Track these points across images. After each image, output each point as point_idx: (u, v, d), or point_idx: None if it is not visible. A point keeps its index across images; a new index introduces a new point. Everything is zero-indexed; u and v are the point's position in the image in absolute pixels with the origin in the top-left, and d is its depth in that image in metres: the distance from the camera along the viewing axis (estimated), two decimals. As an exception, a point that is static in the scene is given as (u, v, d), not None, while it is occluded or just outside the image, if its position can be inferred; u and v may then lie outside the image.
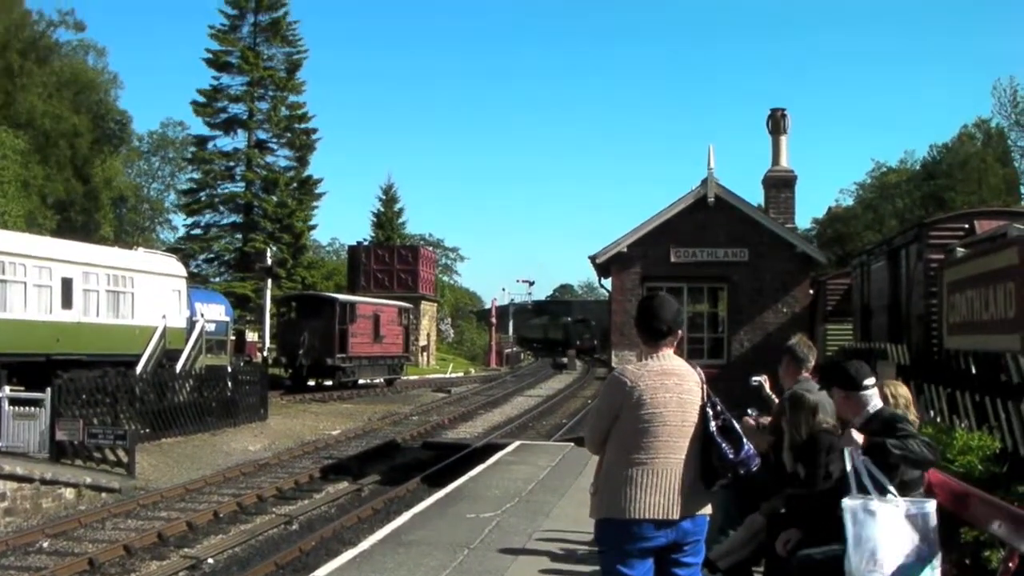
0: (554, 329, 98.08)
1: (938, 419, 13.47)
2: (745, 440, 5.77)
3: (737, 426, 5.82)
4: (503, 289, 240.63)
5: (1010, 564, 6.43)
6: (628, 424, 5.50)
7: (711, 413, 5.67)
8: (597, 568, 9.57)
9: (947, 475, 8.41)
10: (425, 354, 74.21)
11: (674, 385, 5.59)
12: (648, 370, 5.58)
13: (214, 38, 65.35)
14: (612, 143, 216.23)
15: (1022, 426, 11.13)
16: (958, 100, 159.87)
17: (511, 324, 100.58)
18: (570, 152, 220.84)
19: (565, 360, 79.44)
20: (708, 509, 5.74)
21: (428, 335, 76.27)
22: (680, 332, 5.85)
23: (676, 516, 5.51)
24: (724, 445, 5.62)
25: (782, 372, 9.24)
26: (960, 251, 16.52)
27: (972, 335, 14.88)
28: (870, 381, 6.98)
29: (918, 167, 77.02)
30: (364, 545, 11.14)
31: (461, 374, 71.03)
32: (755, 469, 5.82)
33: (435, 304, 79.77)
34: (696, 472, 5.61)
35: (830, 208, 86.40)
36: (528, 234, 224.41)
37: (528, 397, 51.52)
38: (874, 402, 6.97)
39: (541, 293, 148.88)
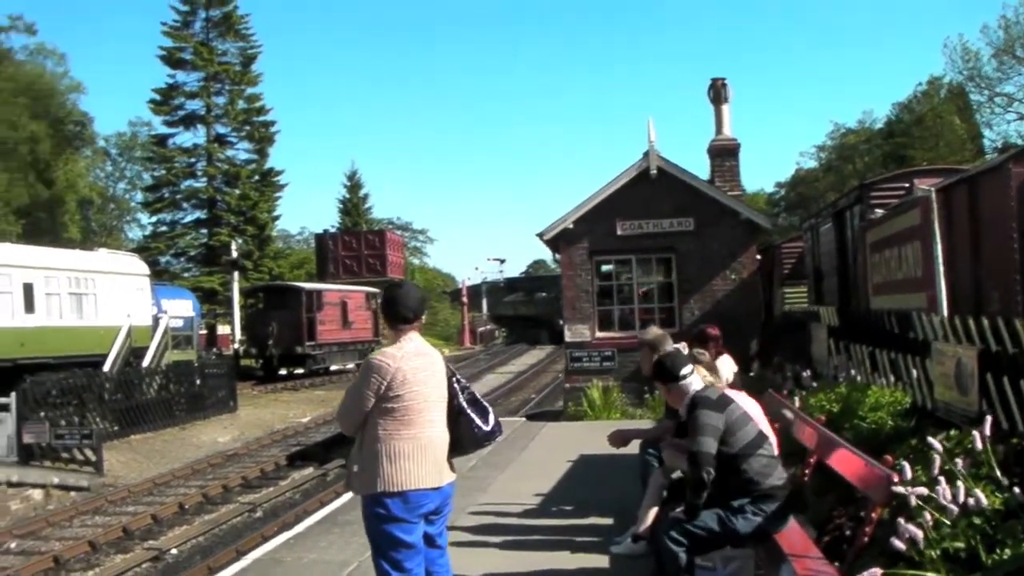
0: (528, 305, 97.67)
1: (858, 378, 14.05)
2: (491, 411, 6.47)
3: (480, 398, 6.49)
4: (476, 268, 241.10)
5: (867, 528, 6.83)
6: (395, 403, 6.06)
7: (457, 387, 6.39)
8: (517, 537, 10.14)
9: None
10: (398, 337, 74.41)
11: (429, 364, 6.25)
12: (406, 352, 6.17)
13: (167, 35, 65.10)
14: (570, 118, 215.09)
15: (928, 381, 11.66)
16: (917, 58, 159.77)
17: (484, 303, 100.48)
18: (534, 127, 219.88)
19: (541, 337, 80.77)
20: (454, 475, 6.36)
21: (400, 318, 76.43)
22: (424, 318, 6.46)
23: (444, 483, 6.17)
24: (475, 416, 6.34)
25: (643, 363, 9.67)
26: (879, 212, 17.05)
27: (890, 294, 15.41)
28: (687, 370, 7.34)
29: (879, 126, 77.19)
30: (300, 527, 11.59)
31: (435, 354, 71.16)
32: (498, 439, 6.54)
33: (406, 287, 79.86)
34: (447, 441, 6.25)
35: (796, 171, 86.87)
36: (497, 212, 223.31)
37: (499, 375, 51.95)
38: (694, 386, 7.32)
39: (514, 269, 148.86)
